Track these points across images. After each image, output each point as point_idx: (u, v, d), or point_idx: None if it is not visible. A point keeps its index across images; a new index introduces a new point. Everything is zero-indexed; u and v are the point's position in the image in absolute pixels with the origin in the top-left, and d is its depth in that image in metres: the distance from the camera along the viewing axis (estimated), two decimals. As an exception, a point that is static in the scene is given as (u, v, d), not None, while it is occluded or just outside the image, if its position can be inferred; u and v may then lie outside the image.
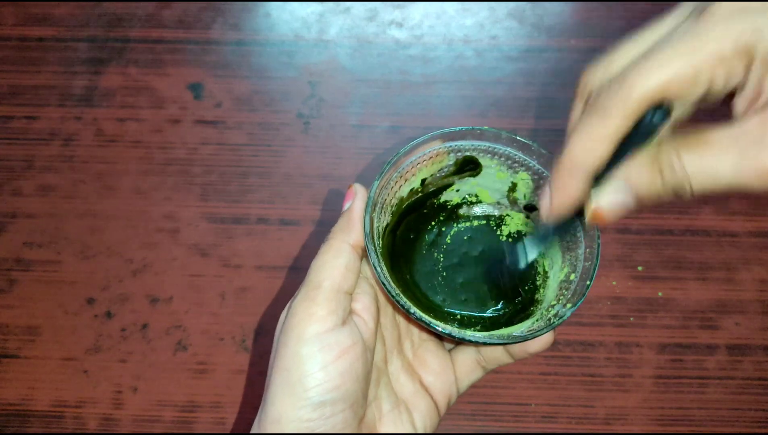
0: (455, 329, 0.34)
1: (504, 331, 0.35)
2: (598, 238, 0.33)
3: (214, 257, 0.52)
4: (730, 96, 0.26)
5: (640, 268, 0.51)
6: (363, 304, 0.33)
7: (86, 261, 0.52)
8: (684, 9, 0.26)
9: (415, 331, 0.38)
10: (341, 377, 0.30)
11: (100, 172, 0.55)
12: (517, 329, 0.34)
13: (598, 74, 0.27)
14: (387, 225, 0.37)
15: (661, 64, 0.24)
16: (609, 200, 0.28)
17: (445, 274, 0.39)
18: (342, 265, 0.32)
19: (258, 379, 0.48)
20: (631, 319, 0.50)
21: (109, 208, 0.54)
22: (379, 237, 0.35)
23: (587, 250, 0.34)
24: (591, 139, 0.26)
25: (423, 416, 0.35)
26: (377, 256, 0.33)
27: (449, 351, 0.38)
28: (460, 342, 0.36)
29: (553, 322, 0.32)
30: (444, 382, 0.37)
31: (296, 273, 0.51)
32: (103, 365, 0.48)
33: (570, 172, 0.27)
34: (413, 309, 0.32)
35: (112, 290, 0.51)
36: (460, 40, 0.61)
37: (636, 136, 0.26)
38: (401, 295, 0.33)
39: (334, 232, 0.33)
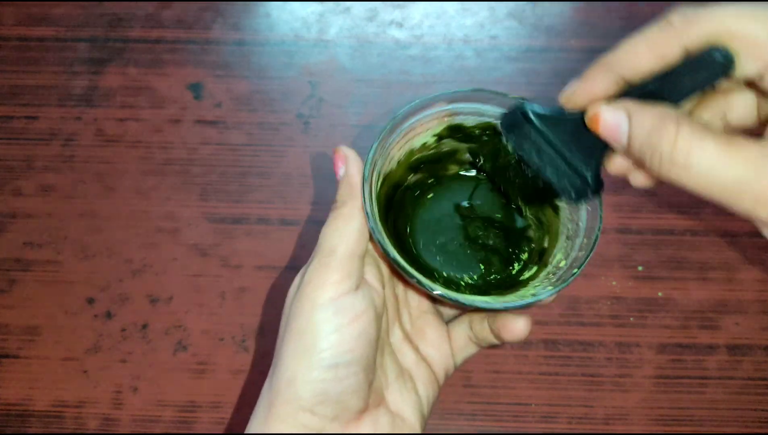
0: (446, 291, 0.33)
1: (485, 298, 0.34)
2: (599, 229, 0.33)
3: (214, 257, 0.52)
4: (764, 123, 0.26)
5: (640, 268, 0.51)
6: (371, 273, 0.34)
7: (86, 261, 0.52)
8: None
9: (413, 302, 0.39)
10: (355, 341, 0.31)
11: (100, 172, 0.55)
12: (496, 300, 0.34)
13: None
14: (381, 187, 0.37)
15: (744, 14, 0.24)
16: (609, 115, 0.27)
17: (443, 238, 0.39)
18: (354, 229, 0.32)
19: (258, 379, 0.48)
20: (631, 319, 0.50)
21: (109, 208, 0.54)
22: (376, 200, 0.35)
23: (585, 240, 0.34)
24: (640, 44, 0.26)
25: (425, 385, 0.36)
26: (375, 221, 0.33)
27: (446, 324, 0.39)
28: (450, 304, 0.37)
29: (527, 300, 0.32)
30: (442, 354, 0.38)
31: (296, 273, 0.51)
32: (103, 365, 0.48)
33: (605, 66, 0.27)
34: (414, 273, 0.32)
35: (112, 290, 0.51)
36: (460, 40, 0.61)
37: (688, 71, 0.25)
38: (399, 258, 0.33)
39: (340, 199, 0.34)
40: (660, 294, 0.50)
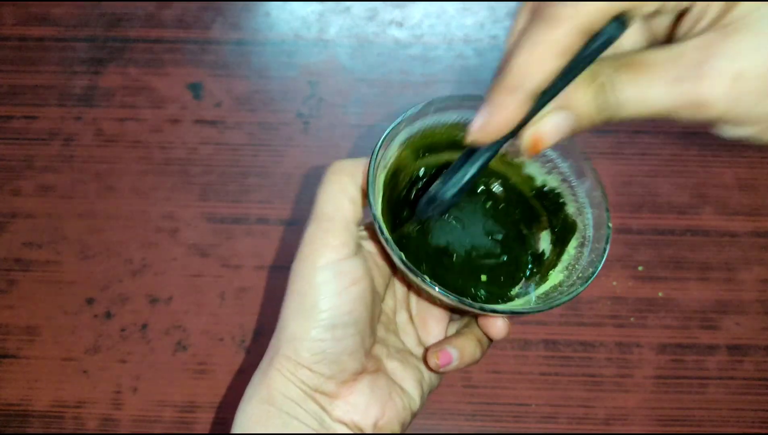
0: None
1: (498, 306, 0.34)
2: (604, 255, 0.32)
3: (214, 257, 0.52)
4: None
5: (640, 268, 0.51)
6: (370, 245, 0.35)
7: (86, 261, 0.52)
8: None
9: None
10: (353, 303, 0.31)
11: (99, 172, 0.55)
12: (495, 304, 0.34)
13: None
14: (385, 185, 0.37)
15: None
16: (551, 125, 0.25)
17: (448, 244, 0.38)
18: (349, 198, 0.33)
19: (258, 380, 0.48)
20: (632, 319, 0.50)
21: (109, 208, 0.54)
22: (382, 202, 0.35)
23: (590, 269, 0.33)
24: (538, 52, 0.23)
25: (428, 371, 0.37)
26: (383, 229, 0.32)
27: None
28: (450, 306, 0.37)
29: (514, 312, 0.32)
30: None
31: (296, 273, 0.51)
32: (103, 365, 0.48)
33: (511, 89, 0.24)
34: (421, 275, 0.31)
35: (112, 290, 0.51)
36: (461, 39, 0.61)
37: (587, 52, 0.23)
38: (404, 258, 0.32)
39: (339, 165, 0.34)
40: (660, 294, 0.50)
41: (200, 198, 0.54)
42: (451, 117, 0.36)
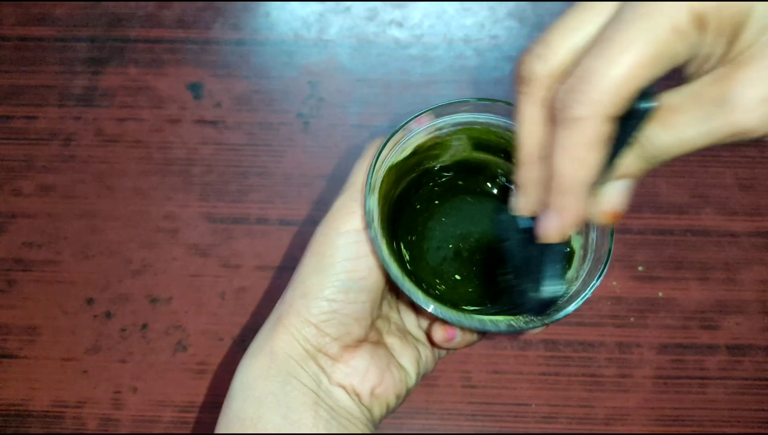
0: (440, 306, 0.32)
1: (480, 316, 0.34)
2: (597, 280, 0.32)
3: (214, 257, 0.52)
4: None
5: (640, 268, 0.51)
6: None
7: (86, 261, 0.52)
8: None
9: None
10: (369, 271, 0.32)
11: (99, 172, 0.55)
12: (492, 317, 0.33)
13: (540, 70, 0.26)
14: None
15: (621, 50, 0.22)
16: (617, 196, 0.28)
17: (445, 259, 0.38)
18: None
19: (258, 380, 0.48)
20: (632, 319, 0.50)
21: (109, 208, 0.54)
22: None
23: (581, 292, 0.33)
24: (578, 155, 0.24)
25: (426, 350, 0.38)
26: (380, 241, 0.32)
27: None
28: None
29: (511, 328, 0.31)
30: None
31: (296, 273, 0.51)
32: (103, 365, 0.48)
33: (569, 191, 0.25)
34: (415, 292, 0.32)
35: (112, 290, 0.51)
36: (461, 39, 0.61)
37: (627, 128, 0.24)
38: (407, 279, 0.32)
39: (379, 142, 0.35)
40: (660, 294, 0.50)
41: (200, 198, 0.54)
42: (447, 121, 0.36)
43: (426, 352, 0.38)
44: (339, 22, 0.62)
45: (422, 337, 0.38)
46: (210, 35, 0.61)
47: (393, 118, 0.57)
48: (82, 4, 0.63)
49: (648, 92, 0.23)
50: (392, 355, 0.35)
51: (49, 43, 0.61)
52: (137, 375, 0.48)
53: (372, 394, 0.33)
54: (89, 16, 0.62)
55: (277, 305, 0.35)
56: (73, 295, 0.50)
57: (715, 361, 0.48)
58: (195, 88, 0.59)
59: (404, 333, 0.37)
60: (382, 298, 0.36)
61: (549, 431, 0.47)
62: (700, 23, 0.22)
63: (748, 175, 0.54)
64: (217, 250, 0.52)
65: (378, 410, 0.34)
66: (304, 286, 0.33)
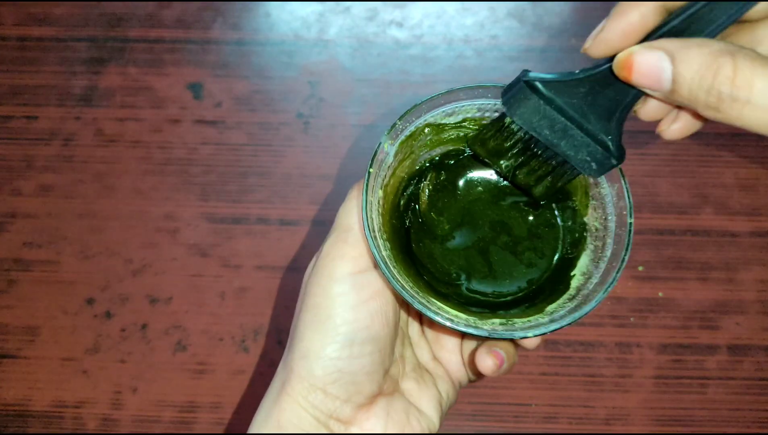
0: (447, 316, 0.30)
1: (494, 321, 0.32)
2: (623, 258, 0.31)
3: (214, 257, 0.52)
4: None
5: (640, 268, 0.51)
6: None
7: (86, 261, 0.52)
8: None
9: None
10: (371, 318, 0.29)
11: (99, 172, 0.55)
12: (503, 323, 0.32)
13: None
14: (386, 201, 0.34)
15: None
16: (646, 58, 0.24)
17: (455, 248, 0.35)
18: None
19: (258, 380, 0.48)
20: (632, 319, 0.50)
21: (109, 208, 0.54)
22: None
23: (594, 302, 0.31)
24: None
25: (444, 382, 0.35)
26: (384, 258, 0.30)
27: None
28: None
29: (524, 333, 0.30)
30: (456, 361, 0.36)
31: (296, 273, 0.51)
32: (103, 365, 0.48)
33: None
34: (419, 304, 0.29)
35: (112, 290, 0.51)
36: (460, 39, 0.61)
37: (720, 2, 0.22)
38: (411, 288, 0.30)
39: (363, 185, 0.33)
40: (660, 294, 0.50)
41: (200, 198, 0.54)
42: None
43: (446, 387, 0.35)
44: (339, 22, 0.62)
45: (439, 370, 0.35)
46: (210, 35, 0.61)
47: (393, 118, 0.57)
48: (82, 4, 0.63)
49: None
50: (411, 404, 0.32)
51: (49, 43, 0.61)
52: (137, 375, 0.48)
53: None
54: (89, 16, 0.62)
55: (279, 368, 0.32)
56: (73, 295, 0.50)
57: (715, 361, 0.48)
58: (195, 88, 0.59)
59: (420, 372, 0.34)
60: (393, 345, 0.32)
61: (549, 431, 0.47)
62: None
63: (748, 175, 0.54)
64: (217, 250, 0.52)
65: None
66: (302, 345, 0.30)
